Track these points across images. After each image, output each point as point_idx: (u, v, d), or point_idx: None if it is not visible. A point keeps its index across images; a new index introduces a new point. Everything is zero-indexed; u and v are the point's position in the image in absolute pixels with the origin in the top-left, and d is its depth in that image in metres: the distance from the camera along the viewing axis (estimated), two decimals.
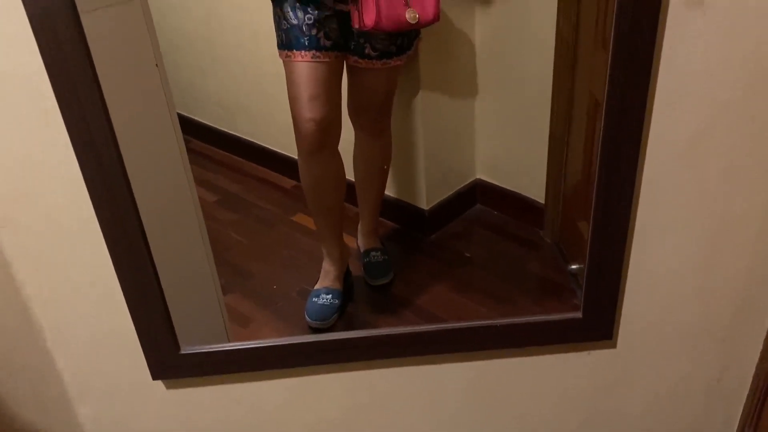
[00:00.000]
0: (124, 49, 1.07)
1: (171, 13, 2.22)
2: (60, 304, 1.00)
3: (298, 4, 1.35)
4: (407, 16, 1.30)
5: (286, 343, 1.04)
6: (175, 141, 1.20)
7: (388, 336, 1.03)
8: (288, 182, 2.08)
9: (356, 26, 1.32)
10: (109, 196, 0.88)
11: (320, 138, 1.42)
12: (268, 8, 1.39)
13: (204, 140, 2.34)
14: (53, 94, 0.82)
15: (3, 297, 0.98)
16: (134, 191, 0.92)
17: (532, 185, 1.78)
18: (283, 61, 1.40)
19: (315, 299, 1.61)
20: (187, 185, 1.25)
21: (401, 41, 1.44)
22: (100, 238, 0.92)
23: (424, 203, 1.86)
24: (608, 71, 0.86)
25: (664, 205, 0.95)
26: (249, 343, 1.06)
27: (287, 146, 1.95)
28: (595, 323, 1.07)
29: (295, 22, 1.35)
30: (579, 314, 1.06)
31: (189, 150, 1.25)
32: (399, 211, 1.91)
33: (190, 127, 2.33)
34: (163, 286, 1.01)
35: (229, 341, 1.36)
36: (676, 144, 0.90)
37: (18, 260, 0.95)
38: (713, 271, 1.01)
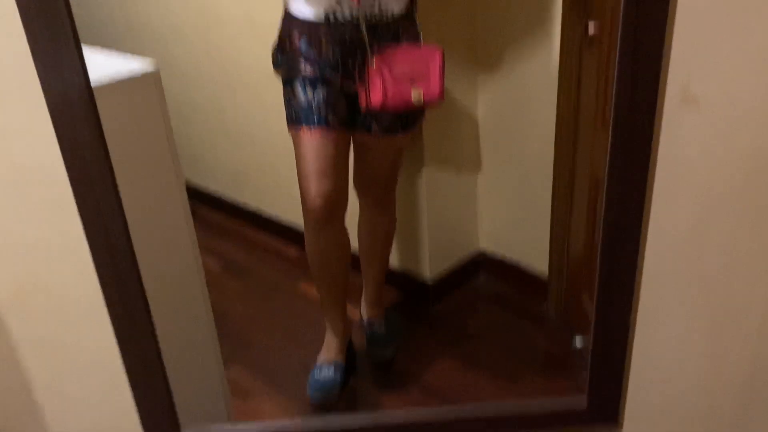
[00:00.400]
0: (136, 123, 1.11)
1: (183, 87, 2.30)
2: (63, 388, 1.00)
3: (308, 84, 1.39)
4: (413, 96, 1.34)
5: (287, 429, 1.03)
6: (183, 215, 1.23)
7: (390, 423, 1.02)
8: (293, 251, 2.10)
9: (363, 105, 1.36)
10: (117, 280, 0.90)
11: (327, 212, 1.45)
12: (278, 85, 1.44)
13: (211, 208, 2.38)
14: (68, 181, 0.84)
15: (7, 380, 0.98)
16: (141, 267, 0.93)
17: (536, 258, 1.79)
18: (292, 136, 1.44)
19: (317, 375, 1.59)
20: (193, 259, 1.26)
21: (407, 119, 1.48)
22: (106, 321, 0.92)
23: (428, 274, 1.87)
24: (608, 158, 0.89)
25: (667, 292, 0.95)
26: (249, 424, 1.06)
27: (293, 215, 1.98)
28: (601, 408, 1.06)
29: (304, 100, 1.40)
30: (584, 398, 1.05)
31: (196, 217, 1.28)
32: (403, 282, 1.92)
33: (198, 196, 2.37)
34: (165, 364, 1.01)
35: (230, 418, 1.35)
36: (676, 233, 0.92)
37: (24, 344, 0.96)
38: (718, 358, 1.01)
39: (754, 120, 0.85)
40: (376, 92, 1.33)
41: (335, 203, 1.45)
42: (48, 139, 0.83)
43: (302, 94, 1.40)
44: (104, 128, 0.84)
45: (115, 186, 0.87)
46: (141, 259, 0.92)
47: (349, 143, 1.50)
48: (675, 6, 0.79)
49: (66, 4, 0.76)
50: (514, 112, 1.71)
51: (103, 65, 1.04)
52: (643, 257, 0.92)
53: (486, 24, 1.66)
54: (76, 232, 0.87)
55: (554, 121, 1.57)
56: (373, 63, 1.32)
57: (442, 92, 1.36)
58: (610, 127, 0.85)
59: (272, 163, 2.10)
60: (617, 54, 0.83)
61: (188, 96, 2.31)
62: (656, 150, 0.87)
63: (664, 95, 0.83)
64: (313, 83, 1.39)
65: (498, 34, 1.66)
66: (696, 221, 0.90)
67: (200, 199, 2.37)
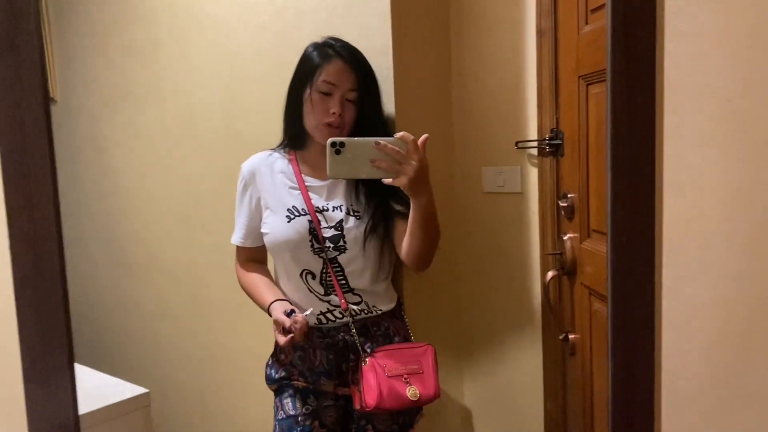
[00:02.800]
0: None
1: (165, 362, 2.30)
2: None
3: (298, 395, 1.41)
4: (408, 393, 1.32)
5: None
6: None
7: None
8: None
9: (357, 407, 1.36)
10: None
11: None
12: (260, 374, 1.46)
13: None
14: None
15: None
16: None
17: None
18: None
19: None
20: None
21: (403, 419, 1.45)
22: None
23: None
24: None
25: None
26: None
27: None
28: None
29: (292, 413, 1.40)
30: None
31: None
32: None
33: None
34: None
35: None
36: None
37: None
38: None
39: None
40: (370, 392, 1.31)
41: None
42: None
43: (291, 407, 1.41)
44: None
45: None
46: None
47: None
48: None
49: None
50: (501, 406, 1.74)
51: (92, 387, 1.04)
52: None
53: (470, 319, 1.78)
54: None
55: (542, 414, 1.61)
56: (366, 361, 1.33)
57: (438, 389, 1.36)
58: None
59: None
60: (609, 367, 0.82)
61: (169, 371, 2.30)
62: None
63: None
64: (304, 395, 1.41)
65: (483, 331, 1.76)
66: None
67: None
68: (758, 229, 0.60)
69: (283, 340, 1.30)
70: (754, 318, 0.63)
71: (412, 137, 1.14)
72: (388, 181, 1.15)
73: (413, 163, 1.13)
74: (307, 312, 1.33)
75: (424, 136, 1.15)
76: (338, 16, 1.56)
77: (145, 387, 2.38)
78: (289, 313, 1.31)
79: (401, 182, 1.15)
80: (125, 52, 2.21)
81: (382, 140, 1.13)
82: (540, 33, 1.52)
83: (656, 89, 0.66)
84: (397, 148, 1.13)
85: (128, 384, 1.08)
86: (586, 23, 1.35)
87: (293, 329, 1.28)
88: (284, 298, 1.39)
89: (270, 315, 1.37)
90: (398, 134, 1.14)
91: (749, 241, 0.60)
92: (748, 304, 0.63)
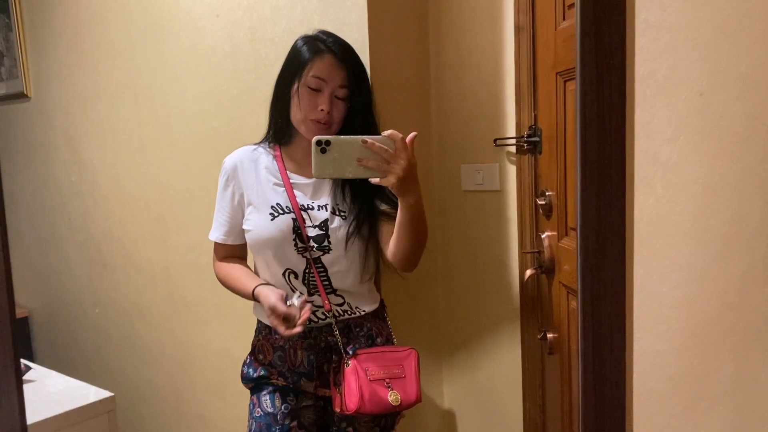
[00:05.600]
0: None
1: (143, 362, 2.26)
2: None
3: (278, 393, 1.38)
4: (390, 398, 1.30)
5: None
6: None
7: None
8: None
9: (338, 410, 1.33)
10: None
11: None
12: (235, 375, 1.43)
13: None
14: None
15: None
16: None
17: None
18: None
19: None
20: None
21: (384, 421, 1.42)
22: None
23: None
24: None
25: None
26: None
27: None
28: None
29: (270, 410, 1.37)
30: None
31: None
32: None
33: None
34: None
35: None
36: None
37: None
38: None
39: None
40: (351, 395, 1.29)
41: None
42: None
43: (269, 404, 1.38)
44: None
45: None
46: None
47: None
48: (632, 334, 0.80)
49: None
50: (481, 405, 1.73)
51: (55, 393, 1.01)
52: None
53: (449, 318, 1.76)
54: None
55: (521, 413, 1.60)
56: (349, 363, 1.31)
57: (420, 394, 1.34)
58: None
59: None
60: (579, 369, 0.83)
61: (144, 371, 2.27)
62: None
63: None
64: (284, 393, 1.38)
65: (461, 330, 1.75)
66: None
67: None
68: (731, 226, 0.59)
69: (286, 330, 1.23)
70: (721, 317, 0.62)
71: (400, 135, 1.10)
72: (375, 180, 1.12)
73: (402, 162, 1.10)
74: (298, 298, 1.26)
75: (413, 134, 1.12)
76: (314, 11, 1.53)
77: (120, 387, 2.35)
78: (286, 301, 1.25)
79: (389, 182, 1.12)
80: (99, 49, 2.17)
81: (369, 138, 1.10)
82: (518, 29, 1.51)
83: (626, 83, 0.65)
84: (385, 147, 1.10)
85: (92, 387, 1.05)
86: (564, 19, 1.34)
87: (294, 319, 1.22)
88: (266, 283, 1.34)
89: (255, 300, 1.32)
90: (386, 132, 1.10)
91: (721, 238, 0.60)
92: (720, 302, 0.62)
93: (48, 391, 0.78)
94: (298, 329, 1.22)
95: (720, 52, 0.56)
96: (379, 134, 1.11)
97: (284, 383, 1.38)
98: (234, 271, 1.42)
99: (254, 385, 1.42)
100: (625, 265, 0.67)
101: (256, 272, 1.43)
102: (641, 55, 0.64)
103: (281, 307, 1.24)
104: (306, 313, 1.23)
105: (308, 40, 1.32)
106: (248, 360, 1.44)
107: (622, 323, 0.68)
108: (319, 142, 1.10)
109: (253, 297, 1.33)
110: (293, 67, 1.31)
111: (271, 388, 1.39)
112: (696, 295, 0.62)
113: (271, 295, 1.27)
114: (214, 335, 1.99)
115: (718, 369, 0.60)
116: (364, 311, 1.38)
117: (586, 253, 0.66)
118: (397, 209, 1.23)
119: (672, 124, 0.62)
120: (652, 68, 0.63)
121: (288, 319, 1.24)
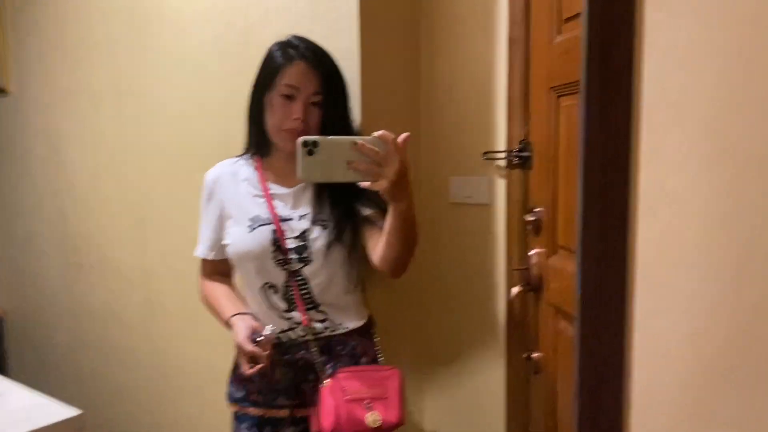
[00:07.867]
0: None
1: (118, 366, 2.20)
2: None
3: (255, 429, 1.35)
4: (368, 420, 1.24)
5: None
6: None
7: None
8: None
9: (315, 431, 1.29)
10: None
11: None
12: (213, 380, 1.41)
13: None
14: None
15: None
16: None
17: None
18: None
19: None
20: None
21: None
22: None
23: None
24: None
25: None
26: None
27: None
28: None
29: None
30: None
31: None
32: None
33: None
34: None
35: None
36: None
37: None
38: None
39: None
40: (327, 416, 1.23)
41: None
42: None
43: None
44: None
45: None
46: None
47: None
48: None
49: None
50: (463, 424, 1.70)
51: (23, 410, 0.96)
52: None
53: (433, 334, 1.73)
54: None
55: None
56: (326, 383, 1.26)
57: (402, 416, 1.28)
58: None
59: None
60: (574, 407, 0.78)
61: (122, 377, 2.21)
62: None
63: None
64: (261, 427, 1.35)
65: (445, 347, 1.72)
66: None
67: None
68: (741, 258, 0.57)
69: (249, 369, 1.22)
70: (726, 353, 0.59)
71: (392, 136, 1.04)
72: (366, 184, 1.06)
73: (394, 165, 1.04)
74: (269, 331, 1.24)
75: (405, 134, 1.06)
76: (305, 15, 1.50)
77: (93, 391, 2.28)
78: (254, 340, 1.22)
79: (381, 186, 1.06)
80: (83, 47, 2.12)
81: (359, 140, 1.04)
82: (512, 42, 1.48)
83: (633, 107, 0.62)
84: (375, 149, 1.04)
85: (60, 404, 1.00)
86: (559, 33, 1.31)
87: (259, 358, 1.21)
88: (246, 312, 1.32)
89: (229, 328, 1.29)
90: (377, 133, 1.04)
91: (730, 271, 0.57)
92: (726, 338, 0.60)
93: (12, 407, 0.72)
94: (257, 368, 1.21)
95: (734, 77, 0.54)
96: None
97: (261, 412, 1.35)
98: (215, 291, 1.40)
99: (235, 412, 1.39)
100: (626, 299, 0.64)
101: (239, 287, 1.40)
102: (650, 75, 0.61)
103: (246, 347, 1.22)
104: (269, 353, 1.22)
105: (280, 46, 1.28)
106: (231, 378, 1.40)
107: (621, 359, 0.65)
108: (305, 143, 1.04)
109: (228, 325, 1.30)
110: (266, 75, 1.28)
111: (248, 423, 1.36)
112: (702, 330, 0.60)
113: (241, 332, 1.24)
114: (190, 341, 1.94)
115: (721, 408, 0.58)
116: (347, 328, 1.34)
117: (586, 285, 0.63)
118: (381, 212, 1.18)
119: (681, 151, 0.59)
120: (662, 91, 0.60)
121: (253, 358, 1.22)
